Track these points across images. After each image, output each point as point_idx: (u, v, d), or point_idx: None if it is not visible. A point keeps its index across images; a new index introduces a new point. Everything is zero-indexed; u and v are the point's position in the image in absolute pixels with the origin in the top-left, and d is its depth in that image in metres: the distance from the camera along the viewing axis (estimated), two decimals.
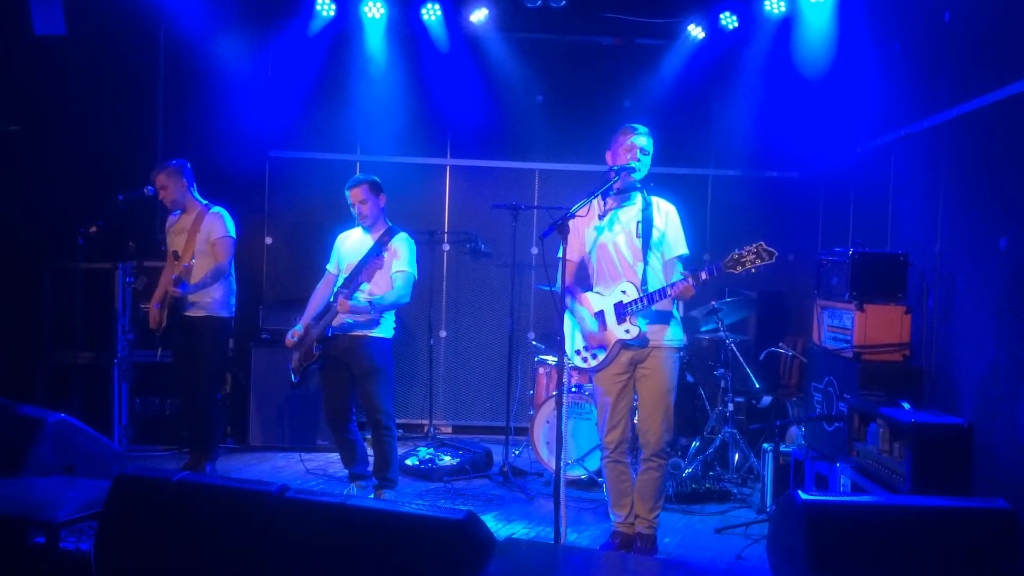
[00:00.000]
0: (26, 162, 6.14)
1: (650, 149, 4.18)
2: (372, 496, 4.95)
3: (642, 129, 4.20)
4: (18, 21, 5.73)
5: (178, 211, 5.39)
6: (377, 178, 5.02)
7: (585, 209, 4.09)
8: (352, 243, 5.00)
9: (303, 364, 4.93)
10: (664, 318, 4.16)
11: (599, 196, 4.17)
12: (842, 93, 5.88)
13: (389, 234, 4.92)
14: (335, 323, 4.80)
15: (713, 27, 6.66)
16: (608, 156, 4.21)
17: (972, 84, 4.25)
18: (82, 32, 5.91)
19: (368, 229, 4.96)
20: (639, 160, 4.12)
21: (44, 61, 6.07)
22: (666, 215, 4.20)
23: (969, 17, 4.37)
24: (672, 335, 4.17)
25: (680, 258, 4.18)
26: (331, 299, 4.88)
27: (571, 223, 4.12)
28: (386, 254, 4.82)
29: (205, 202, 5.36)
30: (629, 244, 4.15)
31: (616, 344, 4.14)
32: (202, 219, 5.27)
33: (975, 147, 4.25)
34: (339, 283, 4.94)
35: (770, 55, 6.54)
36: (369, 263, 4.77)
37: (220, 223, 5.29)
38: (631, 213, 4.19)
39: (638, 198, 4.21)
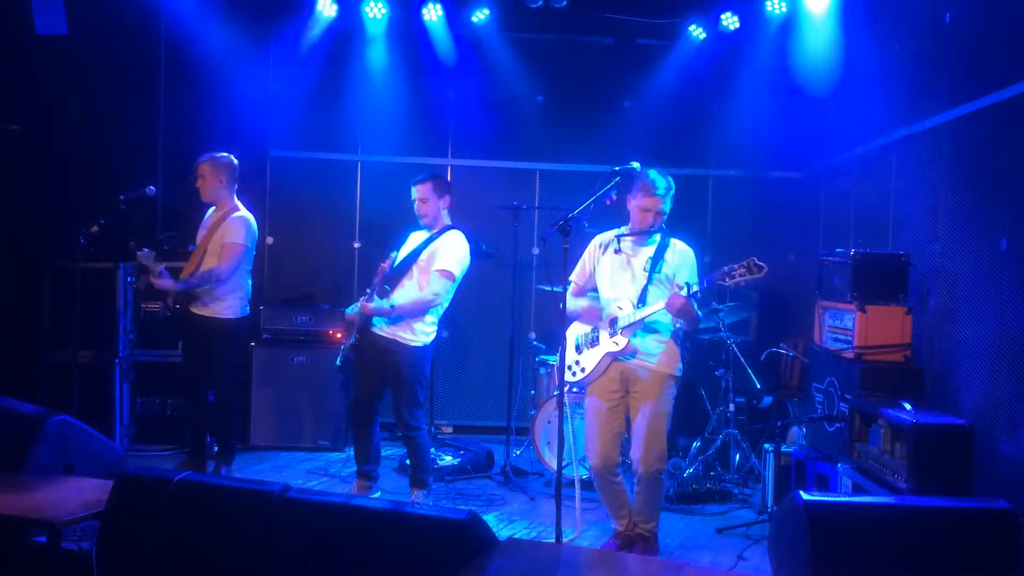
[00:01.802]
0: (27, 161, 6.14)
1: (670, 203, 4.18)
2: (377, 495, 4.99)
3: (661, 183, 4.13)
4: (19, 20, 5.73)
5: (212, 206, 5.34)
6: (444, 178, 4.98)
7: (604, 241, 4.27)
8: (411, 241, 4.95)
9: (345, 345, 4.94)
10: (663, 343, 4.17)
11: (615, 236, 4.27)
12: (843, 94, 5.87)
13: (444, 231, 4.87)
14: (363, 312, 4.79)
15: (714, 28, 6.66)
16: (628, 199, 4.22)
17: (973, 85, 4.25)
18: (83, 32, 5.92)
19: (428, 228, 4.91)
20: (654, 218, 4.14)
21: (45, 60, 6.07)
22: (680, 256, 4.22)
23: (970, 18, 4.37)
24: (669, 361, 4.18)
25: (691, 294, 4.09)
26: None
27: (585, 253, 4.33)
28: (433, 246, 4.80)
29: (236, 203, 5.30)
30: (635, 273, 4.21)
31: (605, 356, 4.19)
32: (224, 220, 5.21)
33: (976, 148, 4.25)
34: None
35: (771, 56, 6.54)
36: (416, 255, 4.79)
37: (238, 228, 5.18)
38: (647, 252, 4.23)
39: (656, 240, 4.24)
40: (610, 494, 4.30)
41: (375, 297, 4.79)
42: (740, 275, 3.81)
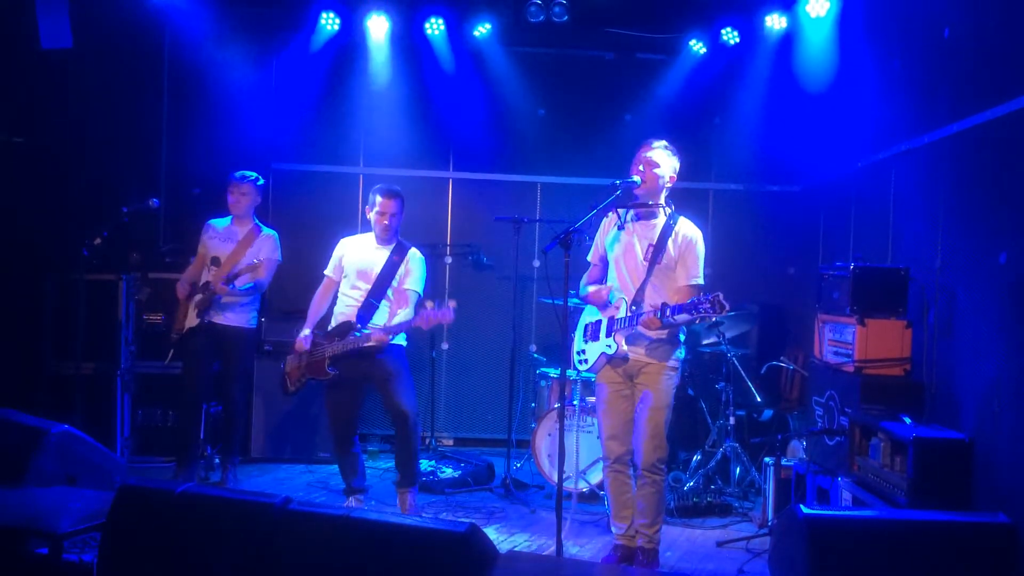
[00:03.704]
0: (31, 173, 6.17)
1: (663, 161, 4.16)
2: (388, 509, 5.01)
3: (657, 143, 4.20)
4: (24, 33, 5.77)
5: (229, 218, 5.58)
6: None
7: (613, 217, 4.24)
8: (362, 253, 4.99)
9: (306, 378, 4.93)
10: (659, 338, 4.15)
11: (614, 206, 4.21)
12: (842, 108, 5.91)
13: (403, 248, 4.98)
14: (368, 344, 4.77)
15: (714, 42, 6.70)
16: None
17: (972, 100, 4.27)
18: (88, 45, 5.96)
19: (385, 243, 4.97)
20: (641, 172, 4.15)
21: (49, 74, 6.11)
22: (684, 243, 4.12)
23: (968, 34, 4.40)
24: (666, 354, 4.15)
25: (694, 287, 4.09)
26: (355, 322, 4.85)
27: (597, 234, 4.31)
28: (402, 268, 4.91)
29: (257, 221, 5.63)
30: (635, 262, 4.18)
31: (601, 356, 4.21)
32: (255, 236, 5.54)
33: (975, 162, 4.27)
34: (347, 292, 4.94)
35: (771, 70, 6.58)
36: (390, 276, 4.90)
37: (273, 245, 5.59)
38: (649, 232, 4.18)
39: (662, 216, 4.20)
40: (616, 487, 4.30)
41: (363, 329, 4.82)
42: (705, 313, 3.78)
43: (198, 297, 5.40)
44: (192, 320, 5.39)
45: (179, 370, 5.58)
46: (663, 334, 4.11)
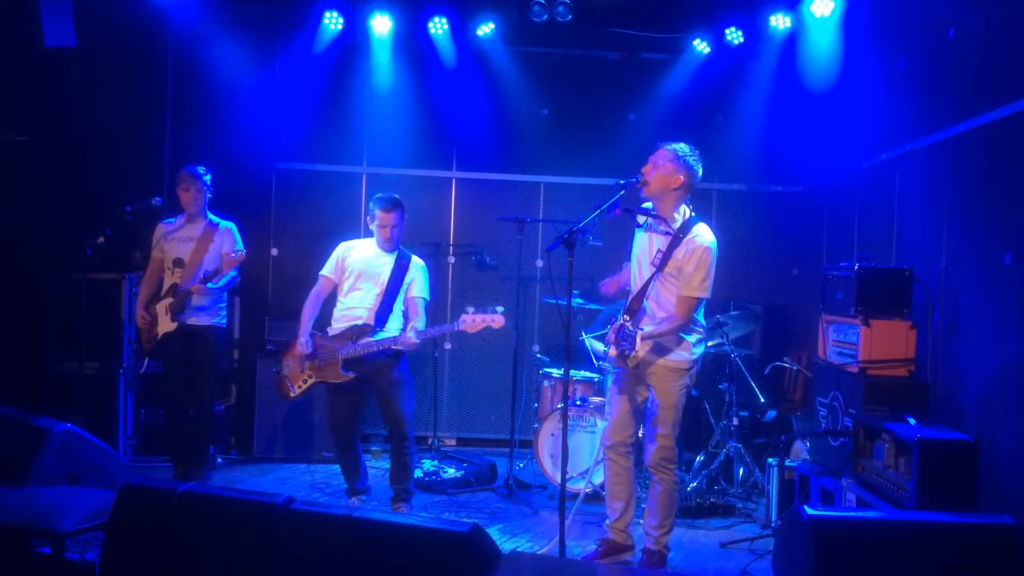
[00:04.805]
0: (33, 172, 6.17)
1: (665, 161, 4.12)
2: (390, 509, 4.99)
3: (670, 145, 4.17)
4: (27, 32, 5.77)
5: (179, 217, 5.50)
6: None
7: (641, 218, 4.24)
8: (367, 258, 4.96)
9: (314, 381, 4.91)
10: (667, 338, 4.14)
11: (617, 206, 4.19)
12: (847, 109, 5.90)
13: (405, 256, 4.99)
14: (405, 345, 4.77)
15: (718, 42, 6.68)
16: None
17: (976, 101, 4.26)
18: (91, 44, 5.96)
19: (389, 251, 4.97)
20: (645, 172, 4.13)
21: (52, 72, 6.11)
22: (691, 252, 4.03)
23: (973, 34, 4.39)
24: (674, 354, 4.13)
25: (687, 300, 4.05)
26: (372, 323, 4.83)
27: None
28: (408, 277, 4.93)
29: (211, 216, 5.50)
30: (644, 265, 4.19)
31: (610, 356, 4.29)
32: (213, 232, 5.42)
33: (979, 163, 4.26)
34: (351, 294, 4.91)
35: (775, 70, 6.56)
36: (399, 282, 4.90)
37: (233, 237, 5.47)
38: (662, 236, 4.15)
39: (678, 221, 4.15)
40: (612, 473, 4.33)
41: (379, 332, 4.83)
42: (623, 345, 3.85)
43: (169, 301, 5.34)
44: (167, 325, 5.33)
45: (159, 373, 5.63)
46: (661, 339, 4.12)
